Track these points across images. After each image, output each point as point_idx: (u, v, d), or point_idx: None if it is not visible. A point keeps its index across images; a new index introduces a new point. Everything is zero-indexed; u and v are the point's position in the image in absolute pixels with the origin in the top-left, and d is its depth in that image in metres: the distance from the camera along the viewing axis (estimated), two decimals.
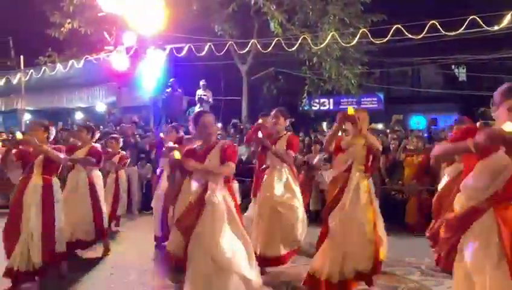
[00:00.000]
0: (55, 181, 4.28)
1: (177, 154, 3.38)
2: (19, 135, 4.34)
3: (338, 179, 3.74)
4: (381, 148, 3.59)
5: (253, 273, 3.08)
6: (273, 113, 4.60)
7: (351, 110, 3.59)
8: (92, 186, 5.06)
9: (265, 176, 4.45)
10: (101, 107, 13.72)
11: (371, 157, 3.67)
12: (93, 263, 5.05)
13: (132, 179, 8.59)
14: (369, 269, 3.58)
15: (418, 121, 18.70)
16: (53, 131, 4.56)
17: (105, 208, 5.34)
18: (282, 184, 4.37)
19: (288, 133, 4.72)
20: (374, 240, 3.57)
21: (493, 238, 2.14)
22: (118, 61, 11.48)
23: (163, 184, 5.31)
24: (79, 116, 14.85)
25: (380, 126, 12.18)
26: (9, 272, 3.98)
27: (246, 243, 3.14)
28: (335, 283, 3.50)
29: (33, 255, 3.98)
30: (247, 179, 8.60)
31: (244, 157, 8.94)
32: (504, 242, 2.10)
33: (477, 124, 2.73)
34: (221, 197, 3.11)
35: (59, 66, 12.87)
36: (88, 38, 13.05)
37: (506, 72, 13.48)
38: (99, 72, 12.81)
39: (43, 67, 13.37)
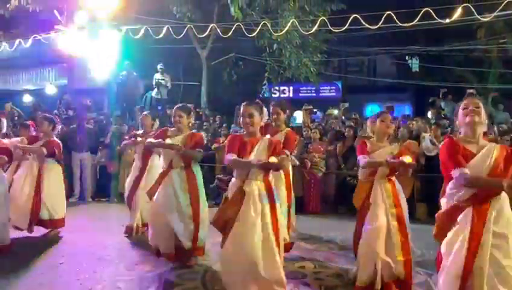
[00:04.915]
0: None
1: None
2: None
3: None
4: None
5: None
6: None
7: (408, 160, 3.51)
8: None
9: None
10: (51, 89, 12.99)
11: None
12: (43, 252, 4.83)
13: (85, 165, 8.28)
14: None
15: (373, 110, 19.39)
16: (4, 123, 4.98)
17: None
18: None
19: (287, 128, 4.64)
20: None
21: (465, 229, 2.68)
22: (69, 41, 10.86)
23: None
24: (27, 98, 14.01)
25: (335, 112, 12.53)
26: None
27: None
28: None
29: None
30: (206, 164, 8.53)
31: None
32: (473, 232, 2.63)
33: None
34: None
35: (5, 45, 12.01)
36: (37, 16, 12.25)
37: (456, 64, 14.15)
38: (49, 52, 12.10)
39: None
